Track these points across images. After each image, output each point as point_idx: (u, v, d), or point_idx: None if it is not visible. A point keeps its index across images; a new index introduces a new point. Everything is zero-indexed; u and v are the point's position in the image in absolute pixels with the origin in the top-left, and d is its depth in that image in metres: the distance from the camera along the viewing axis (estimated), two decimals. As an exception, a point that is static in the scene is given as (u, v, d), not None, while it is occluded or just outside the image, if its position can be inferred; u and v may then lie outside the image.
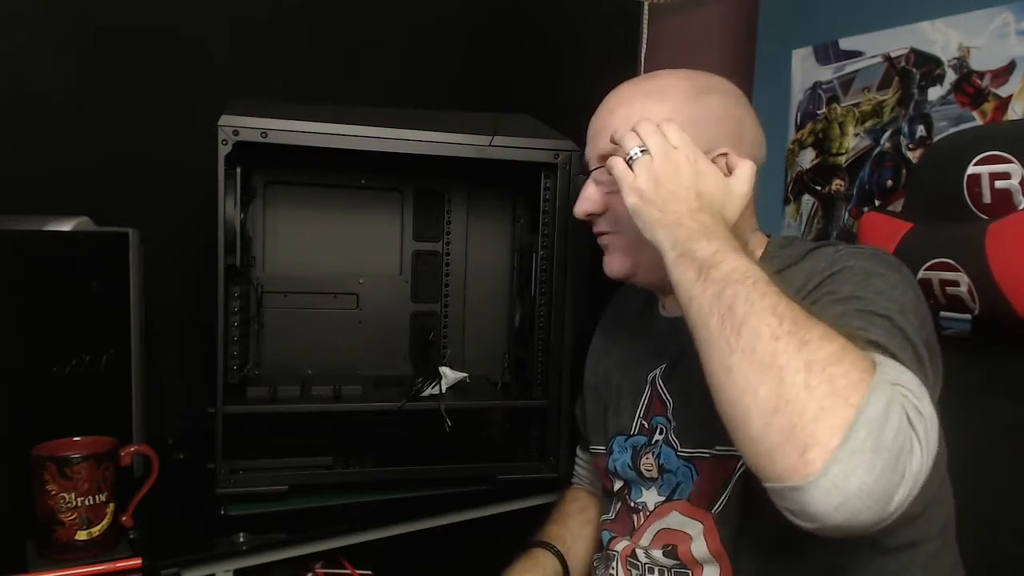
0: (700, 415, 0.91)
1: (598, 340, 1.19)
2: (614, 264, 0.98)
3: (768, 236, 0.99)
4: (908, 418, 0.62)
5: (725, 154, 0.89)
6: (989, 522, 0.96)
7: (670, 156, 0.82)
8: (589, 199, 0.96)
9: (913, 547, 0.85)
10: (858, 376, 0.62)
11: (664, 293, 1.02)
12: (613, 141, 0.88)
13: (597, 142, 0.95)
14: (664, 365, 1.01)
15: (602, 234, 0.98)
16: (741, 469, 0.86)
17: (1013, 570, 0.94)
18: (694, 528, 0.92)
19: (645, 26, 1.98)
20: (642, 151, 0.83)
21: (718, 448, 0.90)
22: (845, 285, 0.80)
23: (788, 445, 0.61)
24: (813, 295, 0.81)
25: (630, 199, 0.82)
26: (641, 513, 1.00)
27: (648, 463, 0.99)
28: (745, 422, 0.64)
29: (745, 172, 0.86)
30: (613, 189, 0.89)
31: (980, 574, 0.93)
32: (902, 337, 0.73)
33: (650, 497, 1.00)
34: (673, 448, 0.96)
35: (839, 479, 0.59)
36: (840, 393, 0.61)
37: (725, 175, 0.86)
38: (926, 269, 1.00)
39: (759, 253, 0.94)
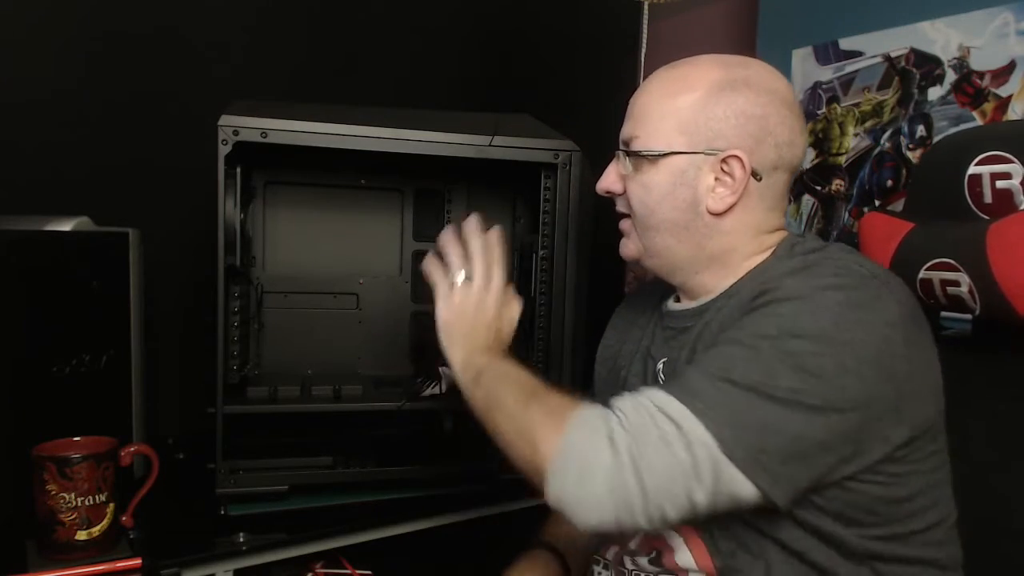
0: None
1: (609, 335, 1.18)
2: (626, 247, 1.01)
3: (783, 237, 0.97)
4: (610, 439, 0.77)
5: (736, 157, 0.89)
6: (989, 523, 0.96)
7: (484, 292, 1.04)
8: (610, 179, 0.99)
9: (906, 564, 0.84)
10: (562, 419, 0.82)
11: (673, 283, 1.01)
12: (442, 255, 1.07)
13: (624, 125, 0.98)
14: (665, 359, 1.00)
15: (621, 217, 1.00)
16: None
17: (1014, 571, 0.94)
18: (675, 539, 0.91)
19: (645, 26, 1.98)
20: (467, 278, 1.04)
21: None
22: (743, 332, 0.82)
23: (531, 465, 0.84)
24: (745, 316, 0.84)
25: (443, 315, 1.03)
26: None
27: None
28: (514, 459, 0.88)
29: (515, 312, 1.08)
30: (629, 172, 0.95)
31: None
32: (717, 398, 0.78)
33: None
34: None
35: (555, 492, 0.81)
36: (550, 433, 0.82)
37: (727, 184, 0.91)
38: (927, 269, 1.00)
39: (759, 259, 0.94)
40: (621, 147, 0.97)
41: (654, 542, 0.94)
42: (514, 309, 1.09)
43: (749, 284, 0.90)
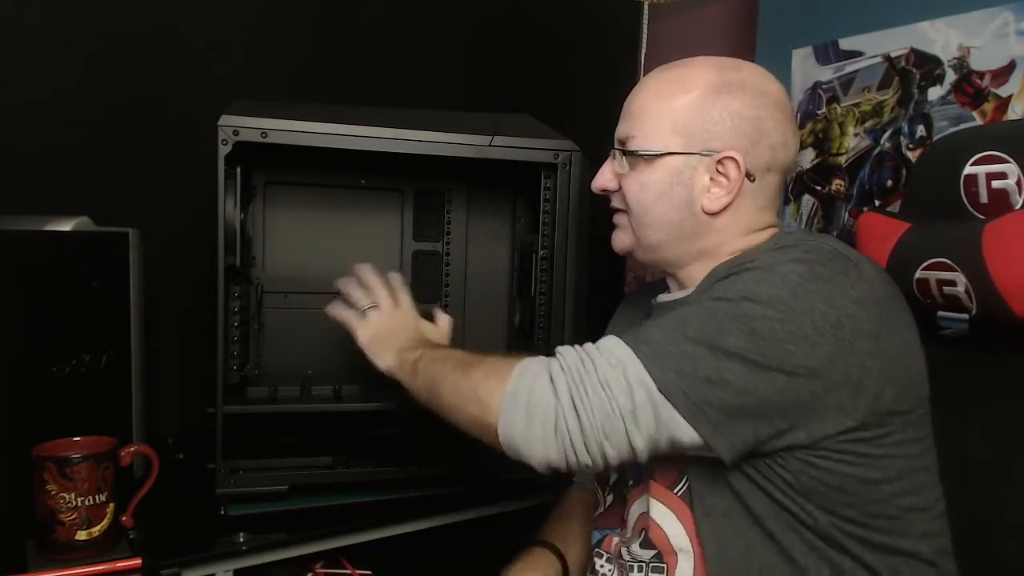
0: None
1: (609, 329, 1.19)
2: (619, 239, 1.03)
3: (773, 232, 0.98)
4: (551, 379, 0.83)
5: (732, 158, 0.91)
6: (988, 523, 0.96)
7: (394, 310, 1.18)
8: (605, 177, 1.01)
9: (886, 553, 0.85)
10: (504, 373, 0.87)
11: (666, 274, 1.04)
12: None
13: (619, 125, 1.00)
14: None
15: (615, 211, 1.02)
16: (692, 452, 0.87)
17: (1014, 571, 0.94)
18: (662, 511, 0.92)
19: (645, 26, 1.98)
20: (371, 307, 1.17)
21: None
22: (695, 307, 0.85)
23: (480, 421, 0.89)
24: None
25: (363, 337, 1.15)
26: (628, 503, 1.01)
27: None
28: (463, 424, 0.94)
29: (444, 327, 1.25)
30: (625, 171, 0.97)
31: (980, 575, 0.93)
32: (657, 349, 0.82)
33: (630, 483, 1.01)
34: None
35: (504, 434, 0.86)
36: (495, 384, 0.88)
37: (722, 184, 0.93)
38: (923, 269, 1.00)
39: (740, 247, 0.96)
40: (617, 146, 0.99)
41: (642, 522, 0.94)
42: (441, 325, 1.24)
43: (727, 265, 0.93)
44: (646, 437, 0.80)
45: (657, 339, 0.82)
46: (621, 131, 0.98)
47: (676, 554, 0.90)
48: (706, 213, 0.94)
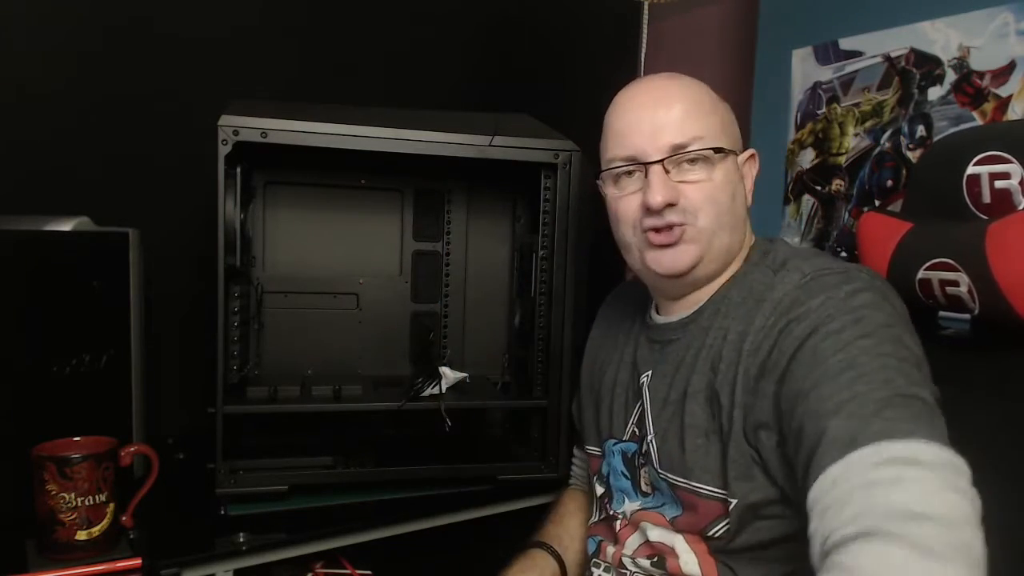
0: (674, 436, 0.93)
1: (594, 337, 1.19)
2: (684, 255, 0.94)
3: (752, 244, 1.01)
4: None
5: (755, 155, 1.01)
6: (989, 523, 0.95)
7: None
8: (670, 187, 0.92)
9: None
10: None
11: (686, 292, 0.99)
12: None
13: (668, 132, 0.93)
14: (650, 371, 1.00)
15: (671, 227, 0.94)
16: (736, 511, 0.86)
17: (1014, 571, 0.94)
18: (676, 541, 0.92)
19: (645, 26, 1.97)
20: None
21: (698, 486, 0.89)
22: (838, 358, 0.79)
23: None
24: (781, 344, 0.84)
25: None
26: (620, 520, 1.01)
27: (645, 478, 0.98)
28: None
29: None
30: (683, 178, 0.93)
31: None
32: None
33: (630, 507, 1.00)
34: (653, 465, 0.95)
35: None
36: None
37: (749, 182, 1.00)
38: (926, 269, 0.99)
39: (735, 268, 0.97)
40: (672, 154, 0.93)
41: (655, 547, 0.94)
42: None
43: (742, 303, 0.92)
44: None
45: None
46: (682, 136, 0.93)
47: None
48: (746, 209, 0.99)
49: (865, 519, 0.64)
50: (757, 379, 0.84)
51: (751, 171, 1.00)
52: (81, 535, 1.02)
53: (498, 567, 1.08)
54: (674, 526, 0.93)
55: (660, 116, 0.94)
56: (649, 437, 0.96)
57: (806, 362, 0.79)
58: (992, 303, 0.93)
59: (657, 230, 0.94)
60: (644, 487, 0.98)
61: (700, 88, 0.98)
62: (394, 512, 1.25)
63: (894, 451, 0.68)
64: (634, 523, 0.99)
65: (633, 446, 1.00)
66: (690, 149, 0.92)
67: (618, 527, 1.01)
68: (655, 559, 0.94)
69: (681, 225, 0.93)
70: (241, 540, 1.11)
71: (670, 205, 0.92)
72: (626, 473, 1.01)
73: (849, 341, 0.78)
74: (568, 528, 1.15)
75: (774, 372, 0.82)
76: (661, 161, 0.92)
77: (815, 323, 0.81)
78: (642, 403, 1.00)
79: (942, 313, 1.04)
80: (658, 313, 1.04)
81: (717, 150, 0.93)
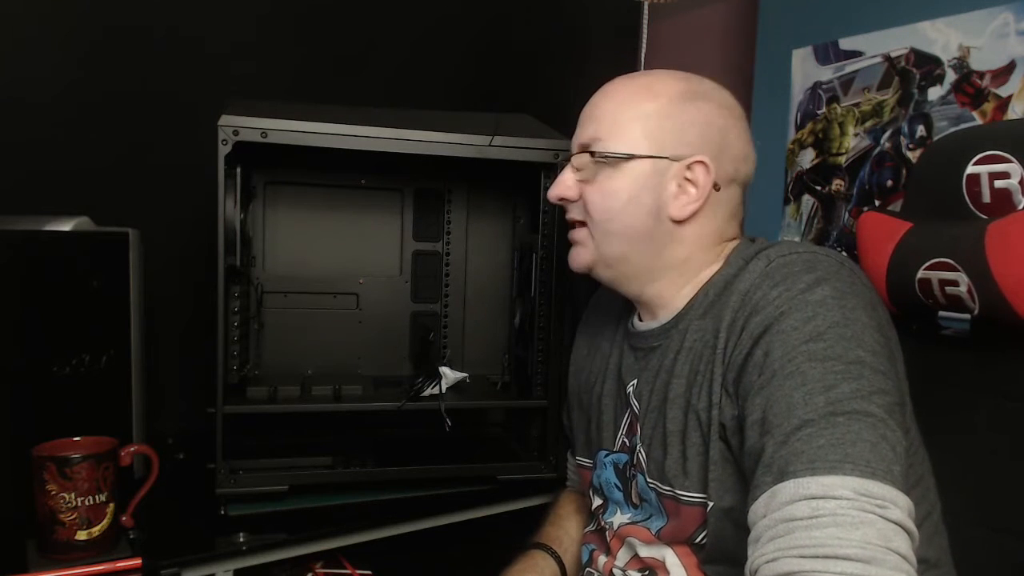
0: (658, 443, 0.92)
1: (579, 345, 1.17)
2: (578, 256, 0.97)
3: (736, 244, 0.97)
4: None
5: (702, 162, 0.90)
6: (989, 523, 0.96)
7: None
8: (565, 184, 0.96)
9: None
10: None
11: (627, 294, 0.99)
12: None
13: (581, 130, 0.96)
14: (635, 380, 0.99)
15: (573, 224, 0.97)
16: (712, 514, 0.85)
17: (1014, 571, 0.94)
18: (667, 555, 0.91)
19: (645, 26, 1.98)
20: None
21: (680, 492, 0.88)
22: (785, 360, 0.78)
23: None
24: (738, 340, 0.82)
25: None
26: (608, 532, 1.00)
27: (635, 490, 0.97)
28: None
29: None
30: (588, 178, 0.93)
31: (981, 575, 0.93)
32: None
33: (619, 520, 0.99)
34: (643, 474, 0.94)
35: None
36: None
37: (689, 192, 0.91)
38: (925, 269, 0.99)
39: (715, 268, 0.93)
40: (577, 151, 0.95)
41: (646, 561, 0.94)
42: None
43: (716, 299, 0.89)
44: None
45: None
46: (585, 135, 0.95)
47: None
48: (673, 221, 0.91)
49: (786, 560, 0.67)
50: (725, 375, 0.84)
51: (703, 180, 0.90)
52: (81, 535, 1.02)
53: (498, 567, 1.08)
54: (660, 538, 0.92)
55: (586, 112, 0.96)
56: (639, 447, 0.95)
57: (757, 363, 0.79)
58: (992, 303, 0.93)
59: (570, 225, 0.97)
60: (635, 499, 0.97)
61: (646, 90, 0.93)
62: (394, 512, 1.25)
63: (814, 489, 0.69)
64: (620, 537, 0.98)
65: (624, 457, 0.99)
66: (590, 150, 0.93)
67: (608, 538, 1.00)
68: (645, 572, 0.93)
69: (583, 224, 0.96)
70: (241, 540, 1.11)
71: (570, 201, 0.96)
72: (619, 485, 1.00)
73: (796, 345, 0.77)
74: (567, 530, 1.15)
75: (733, 368, 0.83)
76: (569, 156, 0.96)
77: (769, 319, 0.80)
78: (630, 413, 0.99)
79: (942, 313, 1.04)
80: (640, 319, 1.02)
81: (608, 155, 0.91)
